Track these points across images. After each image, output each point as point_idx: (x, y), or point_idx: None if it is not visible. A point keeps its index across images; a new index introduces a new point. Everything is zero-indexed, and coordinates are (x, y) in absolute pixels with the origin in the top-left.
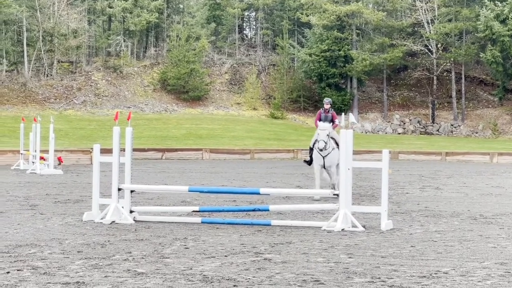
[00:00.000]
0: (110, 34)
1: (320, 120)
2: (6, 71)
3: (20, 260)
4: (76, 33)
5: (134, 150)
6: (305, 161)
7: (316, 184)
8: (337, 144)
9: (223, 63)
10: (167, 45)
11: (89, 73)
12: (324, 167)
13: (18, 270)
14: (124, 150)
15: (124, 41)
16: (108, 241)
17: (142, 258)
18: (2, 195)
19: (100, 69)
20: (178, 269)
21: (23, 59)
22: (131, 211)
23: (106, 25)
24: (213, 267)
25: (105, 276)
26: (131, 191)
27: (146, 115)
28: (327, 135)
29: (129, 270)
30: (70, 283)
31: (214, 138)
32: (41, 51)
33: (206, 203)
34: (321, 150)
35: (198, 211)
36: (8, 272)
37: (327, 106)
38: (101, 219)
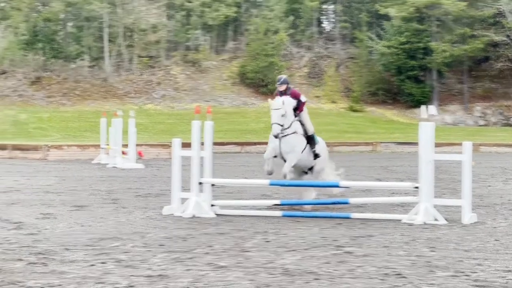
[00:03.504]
0: (189, 28)
1: None
2: (88, 67)
3: (104, 253)
4: (155, 28)
5: (214, 144)
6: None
7: (265, 169)
8: (305, 132)
9: (301, 56)
10: (246, 39)
11: (168, 67)
12: (281, 155)
13: (102, 263)
14: (203, 144)
15: (203, 35)
16: (189, 234)
17: (223, 251)
18: (84, 189)
19: (179, 63)
20: (259, 263)
21: (104, 55)
22: (211, 205)
23: (185, 19)
24: (294, 261)
25: (187, 269)
26: (212, 185)
27: (225, 109)
28: (283, 115)
29: (210, 263)
30: (152, 276)
31: None
32: (121, 47)
33: (286, 197)
34: (276, 136)
35: (279, 205)
36: (92, 265)
37: (281, 88)
38: (182, 213)
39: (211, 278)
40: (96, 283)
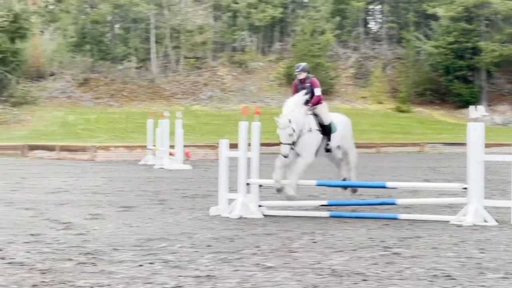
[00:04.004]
0: (235, 29)
1: (296, 93)
2: (135, 68)
3: (152, 254)
4: (202, 29)
5: (261, 144)
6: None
7: (274, 176)
8: (321, 125)
9: (348, 57)
10: (292, 40)
11: (215, 68)
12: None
13: (150, 263)
14: (250, 144)
15: (249, 36)
16: (237, 235)
17: (271, 252)
18: (132, 190)
19: (225, 64)
20: (306, 263)
21: (151, 56)
22: (259, 206)
23: (231, 20)
24: (341, 261)
25: (235, 270)
26: (259, 186)
27: (272, 110)
28: (290, 134)
29: (258, 264)
30: (200, 276)
31: None
32: (168, 48)
33: (333, 197)
34: (285, 157)
35: (326, 205)
36: (140, 265)
37: (300, 76)
38: (229, 213)
39: (259, 279)
40: (145, 283)
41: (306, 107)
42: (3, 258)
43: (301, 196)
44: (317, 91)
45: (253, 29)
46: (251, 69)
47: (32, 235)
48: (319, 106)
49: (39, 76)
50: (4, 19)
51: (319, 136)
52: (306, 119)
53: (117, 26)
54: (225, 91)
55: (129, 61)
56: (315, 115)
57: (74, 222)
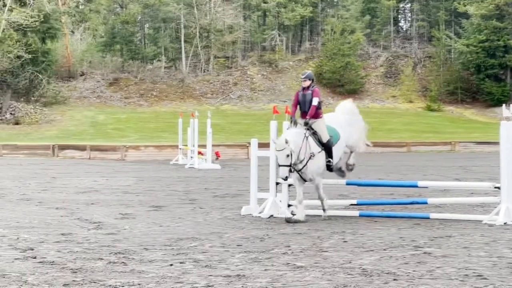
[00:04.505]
0: (265, 29)
1: (297, 103)
2: (164, 68)
3: (182, 253)
4: (231, 28)
5: None
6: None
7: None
8: (320, 141)
9: (378, 56)
10: (322, 39)
11: (245, 68)
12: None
13: (180, 263)
14: None
15: (279, 35)
16: (267, 235)
17: (301, 251)
18: (162, 189)
19: (255, 63)
20: (337, 263)
21: (181, 56)
22: (289, 205)
23: (261, 20)
24: (372, 261)
25: (265, 270)
26: (289, 185)
27: None
28: (288, 155)
29: (288, 263)
30: (231, 276)
31: (370, 131)
32: (198, 47)
33: (363, 197)
34: (284, 179)
35: (356, 205)
36: (171, 265)
37: (305, 83)
38: (259, 213)
39: (289, 278)
40: (175, 282)
41: (303, 128)
42: (34, 257)
43: (331, 195)
44: (315, 101)
45: (283, 28)
46: (280, 69)
47: (63, 234)
48: (317, 121)
49: (69, 76)
50: (35, 19)
51: (323, 156)
52: (305, 142)
53: (146, 26)
54: (255, 90)
55: (159, 60)
56: (314, 133)
57: (104, 222)
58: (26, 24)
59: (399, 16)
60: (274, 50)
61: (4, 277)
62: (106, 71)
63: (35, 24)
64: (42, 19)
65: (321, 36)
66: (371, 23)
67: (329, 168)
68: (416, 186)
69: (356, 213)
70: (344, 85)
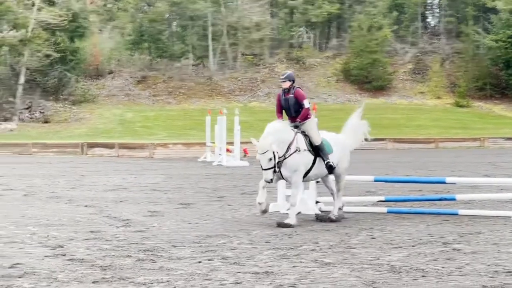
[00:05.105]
0: (292, 26)
1: (281, 108)
2: (192, 65)
3: (211, 250)
4: (259, 26)
5: None
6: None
7: (257, 198)
8: (311, 144)
9: (405, 52)
10: (349, 36)
11: (272, 65)
12: (282, 177)
13: (209, 260)
14: None
15: (306, 32)
16: (295, 231)
17: (329, 248)
18: (191, 187)
19: (283, 61)
20: (365, 259)
21: (208, 53)
22: (316, 202)
23: (288, 17)
24: (400, 257)
25: (293, 266)
26: (317, 182)
27: (329, 106)
28: (270, 158)
29: (316, 260)
30: (259, 272)
31: (398, 127)
32: (225, 45)
33: (391, 193)
34: (269, 182)
35: (384, 201)
36: (199, 262)
37: (285, 85)
38: (287, 210)
39: (317, 275)
40: (203, 279)
41: (291, 127)
42: (64, 255)
43: (358, 192)
44: (306, 103)
45: (310, 25)
46: (308, 66)
47: (92, 232)
48: (307, 122)
49: (97, 74)
50: (64, 18)
51: (310, 156)
52: (292, 139)
53: (174, 24)
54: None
55: (187, 58)
56: (304, 135)
57: (133, 219)
58: (54, 23)
59: (427, 12)
60: (302, 47)
61: (34, 274)
62: (134, 69)
63: (63, 23)
64: (71, 18)
65: (348, 33)
66: (399, 19)
67: (330, 169)
68: (444, 182)
69: (384, 209)
70: (371, 82)
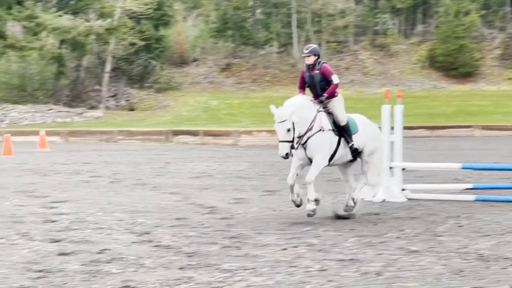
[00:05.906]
0: (377, 12)
1: (304, 85)
2: (276, 53)
3: (296, 237)
4: (343, 13)
5: (403, 128)
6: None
7: (289, 178)
8: (335, 124)
9: (494, 37)
10: (435, 21)
11: (357, 52)
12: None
13: (294, 247)
14: (393, 128)
15: (391, 19)
16: (380, 219)
17: (415, 236)
18: (275, 174)
19: (367, 48)
20: (452, 248)
21: (293, 41)
22: (402, 189)
23: (372, 4)
24: (489, 246)
25: (379, 254)
26: (402, 169)
27: (414, 93)
28: (289, 129)
29: (402, 248)
30: (344, 260)
31: (485, 114)
32: (309, 32)
33: (478, 181)
34: (284, 157)
35: (472, 189)
36: (285, 249)
37: (309, 60)
38: (372, 197)
39: (404, 263)
40: (289, 266)
41: (315, 103)
42: (150, 241)
43: (445, 179)
44: (335, 79)
45: (395, 11)
46: (393, 52)
47: (177, 219)
48: (334, 100)
49: (182, 62)
50: (149, 6)
51: (334, 137)
52: (315, 116)
53: (258, 11)
54: (367, 75)
55: (271, 46)
56: (328, 113)
57: (218, 206)
58: (140, 12)
59: None
60: (386, 34)
61: (122, 260)
62: (219, 56)
63: (148, 11)
64: (156, 6)
65: (435, 18)
66: (487, 4)
67: (355, 152)
68: None
69: (472, 197)
70: (458, 68)
